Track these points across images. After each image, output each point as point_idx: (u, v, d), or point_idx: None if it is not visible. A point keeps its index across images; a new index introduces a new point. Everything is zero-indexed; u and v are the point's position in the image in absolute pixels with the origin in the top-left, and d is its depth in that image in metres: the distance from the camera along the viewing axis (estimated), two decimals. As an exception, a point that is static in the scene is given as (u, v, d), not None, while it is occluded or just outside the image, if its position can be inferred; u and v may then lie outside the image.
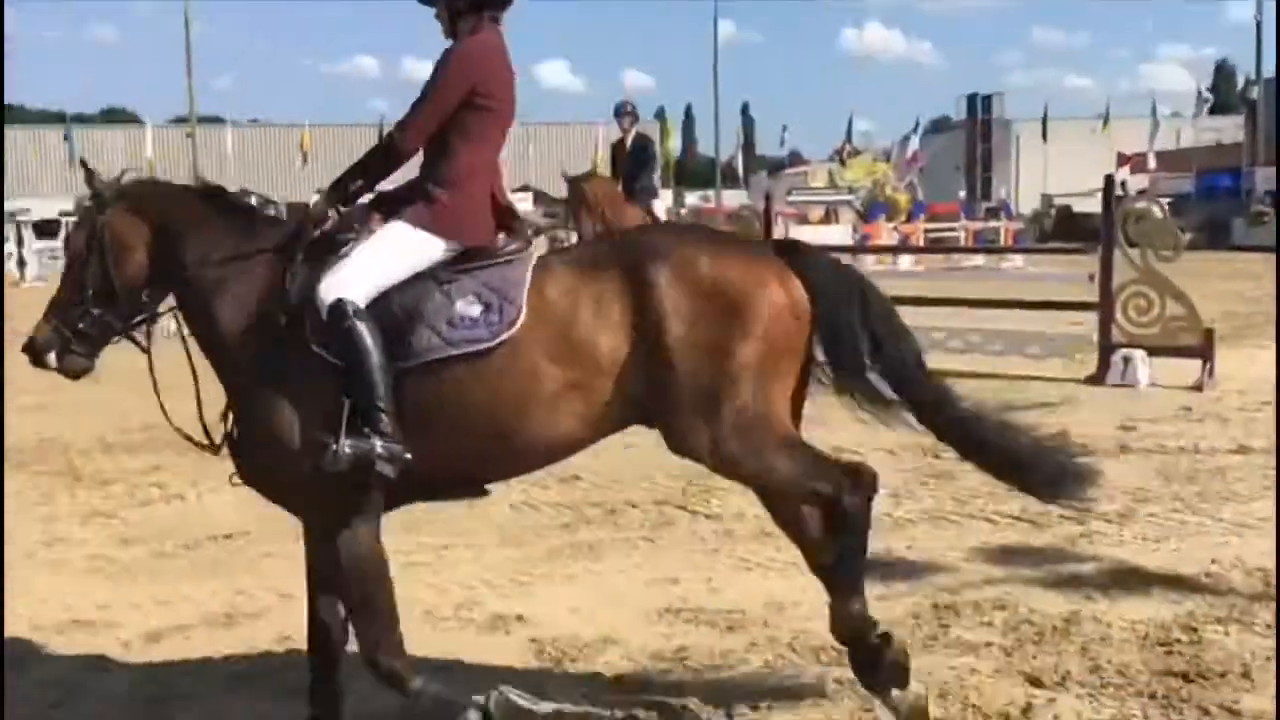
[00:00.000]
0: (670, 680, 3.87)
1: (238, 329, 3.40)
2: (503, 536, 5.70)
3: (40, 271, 27.88)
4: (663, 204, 12.07)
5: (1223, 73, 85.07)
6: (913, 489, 6.40)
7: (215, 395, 3.44)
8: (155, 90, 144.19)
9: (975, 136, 57.86)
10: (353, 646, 3.39)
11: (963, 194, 44.65)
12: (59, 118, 61.40)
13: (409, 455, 3.24)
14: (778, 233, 12.70)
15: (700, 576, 5.03)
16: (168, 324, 3.61)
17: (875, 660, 3.43)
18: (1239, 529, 5.53)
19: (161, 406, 3.50)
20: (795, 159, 63.39)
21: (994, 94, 61.51)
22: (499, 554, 5.45)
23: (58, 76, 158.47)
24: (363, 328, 3.24)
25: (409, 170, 3.60)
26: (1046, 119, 52.57)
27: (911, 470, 6.74)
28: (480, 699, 3.34)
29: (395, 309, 3.33)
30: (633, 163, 11.44)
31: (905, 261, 20.89)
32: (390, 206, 3.52)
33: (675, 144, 60.89)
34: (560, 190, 12.51)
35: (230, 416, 3.42)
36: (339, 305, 3.26)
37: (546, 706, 3.38)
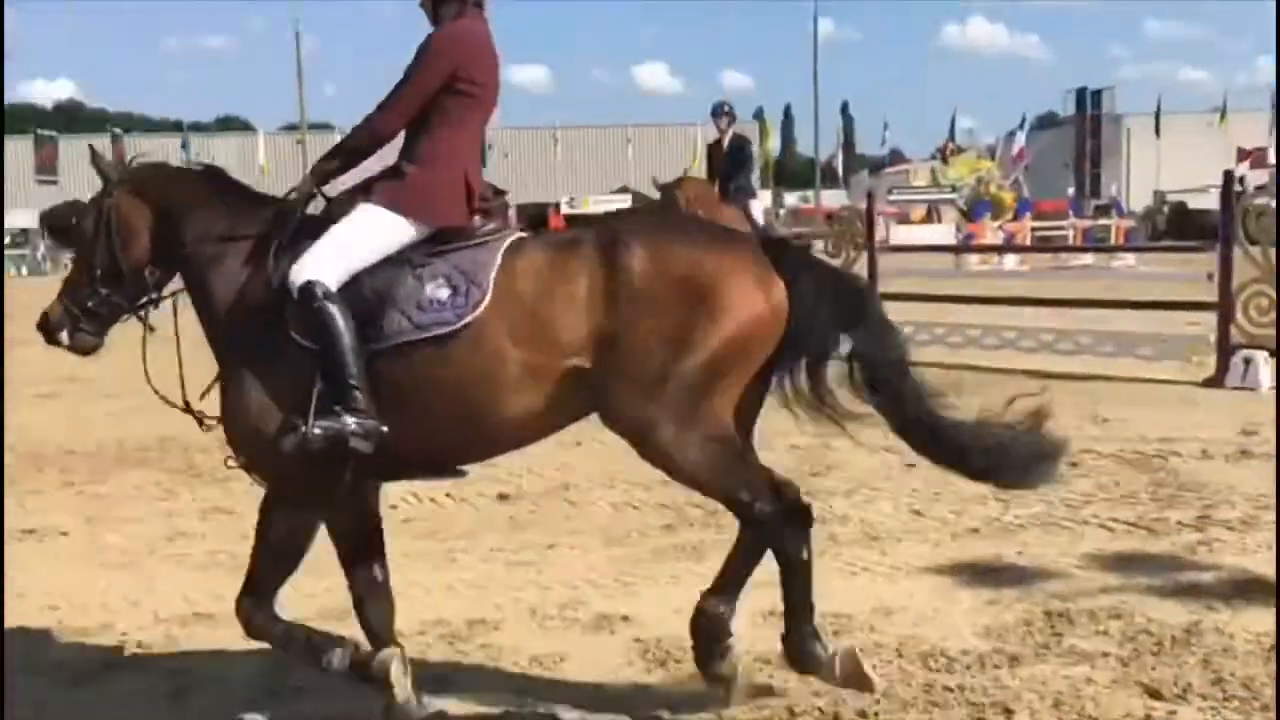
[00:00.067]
0: (775, 684, 3.84)
1: (226, 307, 3.52)
2: (606, 537, 5.73)
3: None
4: (760, 205, 12.02)
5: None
6: (1021, 493, 6.25)
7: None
8: (267, 99, 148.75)
9: (1084, 132, 56.09)
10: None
11: (1071, 191, 43.48)
12: (177, 126, 64.00)
13: (385, 428, 3.30)
14: (878, 233, 12.51)
15: (805, 580, 4.98)
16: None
17: (708, 660, 3.57)
18: (1371, 538, 5.28)
19: (147, 375, 3.65)
20: (896, 157, 62.38)
21: (1104, 88, 59.69)
22: (603, 554, 5.47)
23: (176, 86, 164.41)
24: (333, 309, 3.30)
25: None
26: (1160, 113, 50.95)
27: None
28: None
29: (367, 292, 3.38)
30: (729, 163, 11.42)
31: (1010, 261, 20.44)
32: (370, 189, 3.57)
33: (774, 144, 60.51)
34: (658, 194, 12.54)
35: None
36: (309, 287, 3.32)
37: None
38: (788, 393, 3.44)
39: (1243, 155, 38.52)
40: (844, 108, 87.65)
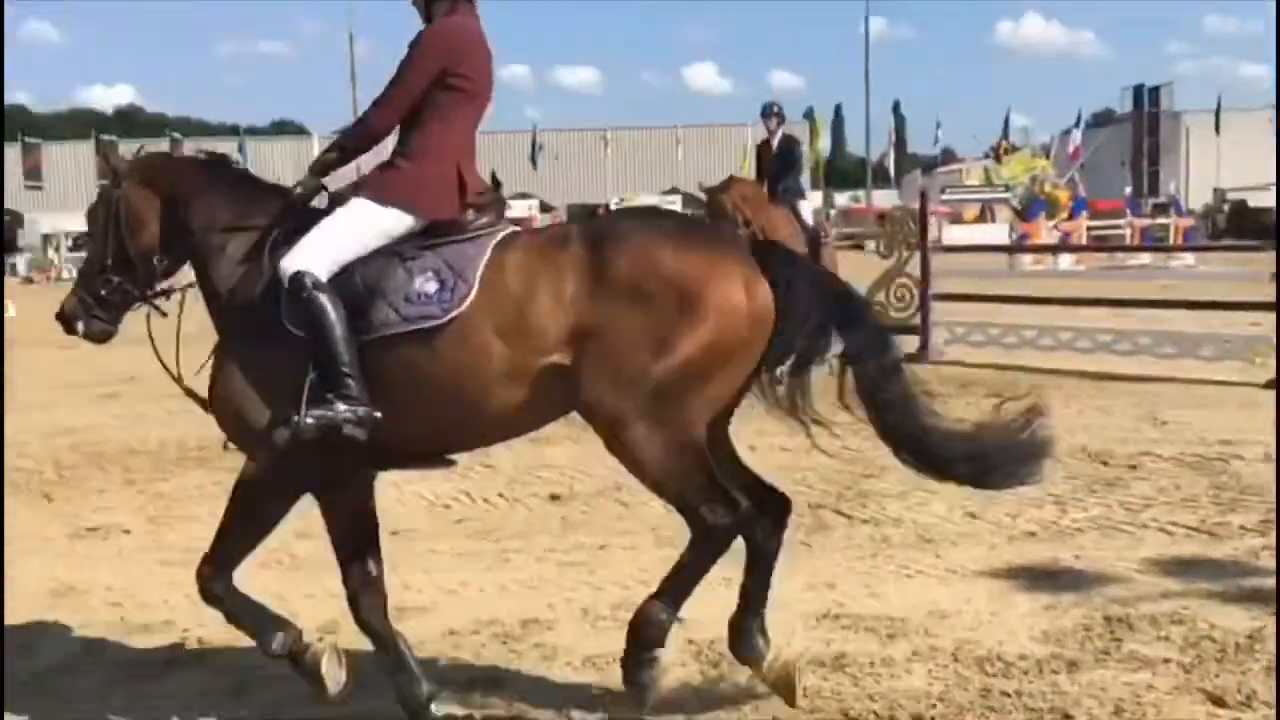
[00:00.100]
0: (829, 687, 3.82)
1: (227, 295, 3.60)
2: (657, 537, 5.73)
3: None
4: (810, 205, 11.94)
5: None
6: (1080, 496, 6.18)
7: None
8: (322, 102, 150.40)
9: (1141, 129, 55.15)
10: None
11: (1128, 190, 42.77)
12: (233, 130, 65.03)
13: (379, 414, 3.33)
14: (931, 233, 12.39)
15: (859, 582, 4.95)
16: None
17: (635, 667, 3.53)
18: None
19: (158, 355, 3.75)
20: (948, 156, 61.71)
21: (1162, 85, 58.66)
22: (655, 554, 5.46)
23: (232, 91, 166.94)
24: (323, 299, 3.35)
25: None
26: (1220, 110, 49.98)
27: (1079, 477, 6.51)
28: None
29: (358, 283, 3.43)
30: (778, 164, 11.36)
31: (1065, 261, 20.18)
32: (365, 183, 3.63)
33: (825, 144, 60.10)
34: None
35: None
36: (298, 277, 3.38)
37: None
38: (764, 392, 3.44)
39: (1305, 152, 37.60)
40: (895, 106, 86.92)
